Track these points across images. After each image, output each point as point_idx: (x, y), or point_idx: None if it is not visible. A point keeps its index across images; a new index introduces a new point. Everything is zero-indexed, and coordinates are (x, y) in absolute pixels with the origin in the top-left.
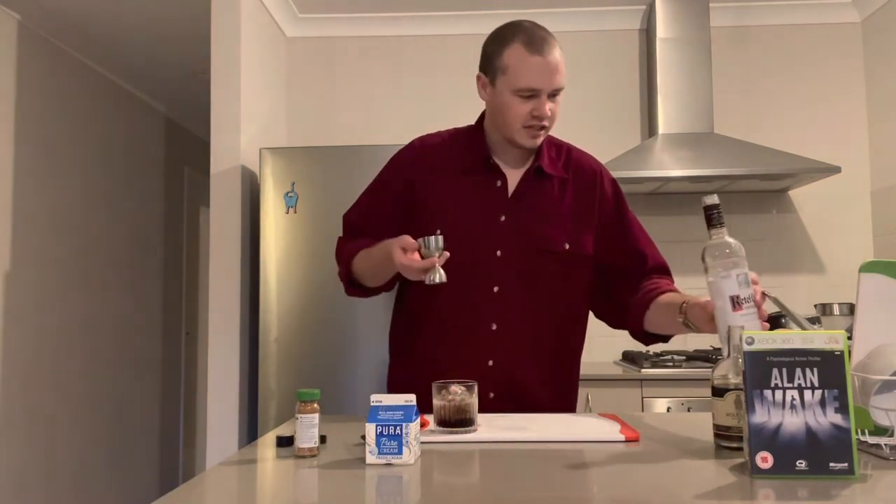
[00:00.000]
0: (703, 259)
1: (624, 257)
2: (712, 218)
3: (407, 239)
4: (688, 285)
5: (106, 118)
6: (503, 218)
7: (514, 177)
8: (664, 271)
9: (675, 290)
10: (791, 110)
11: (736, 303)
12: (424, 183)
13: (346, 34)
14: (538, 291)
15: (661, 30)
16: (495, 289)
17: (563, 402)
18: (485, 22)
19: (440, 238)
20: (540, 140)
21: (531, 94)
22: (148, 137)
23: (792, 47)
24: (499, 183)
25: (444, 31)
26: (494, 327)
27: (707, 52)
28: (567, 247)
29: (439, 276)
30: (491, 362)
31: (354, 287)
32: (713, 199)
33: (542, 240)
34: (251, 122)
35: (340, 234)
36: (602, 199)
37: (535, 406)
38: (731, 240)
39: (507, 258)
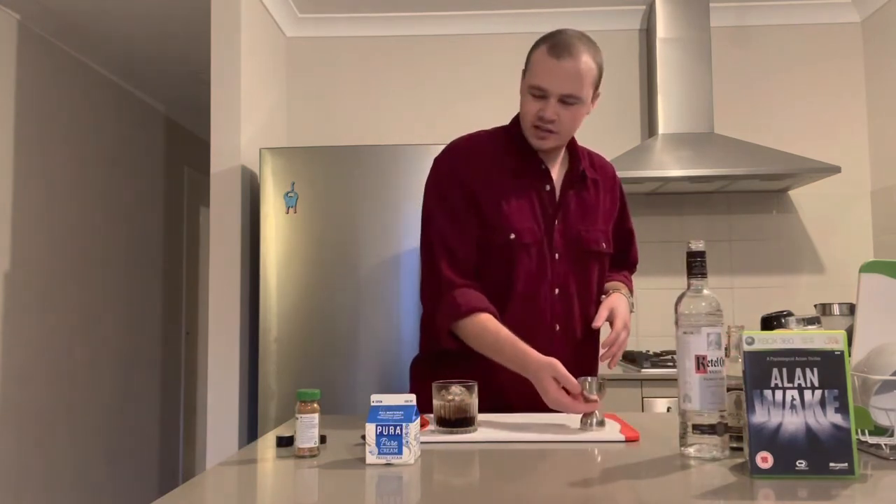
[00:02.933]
0: (675, 308)
1: (616, 252)
2: (694, 267)
3: (558, 367)
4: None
5: (106, 118)
6: (557, 221)
7: (556, 180)
8: (633, 267)
9: (616, 280)
10: (791, 110)
11: (701, 363)
12: (482, 183)
13: (346, 34)
14: (586, 291)
15: (661, 30)
16: (556, 291)
17: None
18: (485, 22)
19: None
20: (547, 143)
21: (540, 94)
22: (148, 137)
23: (792, 47)
24: (548, 187)
25: (444, 30)
26: (558, 328)
27: (707, 52)
28: (604, 246)
29: (597, 419)
30: None
31: (454, 340)
32: (699, 246)
33: (589, 241)
34: (251, 122)
35: (424, 250)
36: (615, 200)
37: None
38: (710, 293)
39: (563, 261)
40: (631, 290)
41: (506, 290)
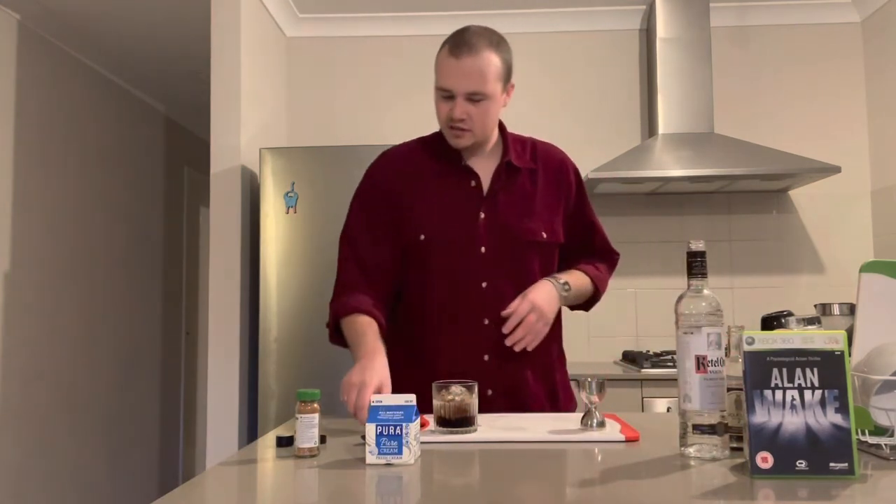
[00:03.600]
0: (675, 308)
1: (576, 242)
2: (694, 266)
3: (385, 381)
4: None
5: (106, 118)
6: (482, 215)
7: (485, 175)
8: (606, 256)
9: (584, 270)
10: (791, 110)
11: (701, 363)
12: (402, 190)
13: (346, 34)
14: (523, 282)
15: (661, 30)
16: (483, 284)
17: (556, 392)
18: (484, 22)
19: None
20: (463, 141)
21: (447, 95)
22: (148, 137)
23: (792, 47)
24: (473, 182)
25: (444, 30)
26: (486, 322)
27: (707, 52)
28: (545, 236)
29: (597, 419)
30: (487, 357)
31: (340, 339)
32: (699, 246)
33: (522, 231)
34: (251, 122)
35: (339, 258)
36: (569, 188)
37: (531, 400)
38: (710, 293)
39: (491, 254)
40: (595, 280)
41: (425, 289)
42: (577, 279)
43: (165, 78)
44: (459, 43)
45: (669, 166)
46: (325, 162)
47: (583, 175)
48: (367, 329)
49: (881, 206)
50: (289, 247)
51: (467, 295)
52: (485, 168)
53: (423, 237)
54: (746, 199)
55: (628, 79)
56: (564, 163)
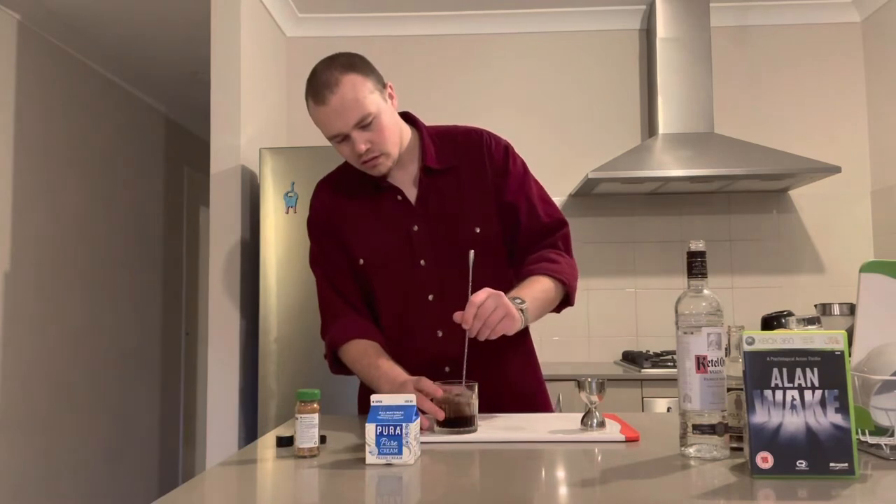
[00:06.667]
0: (675, 308)
1: (512, 221)
2: (694, 267)
3: (428, 385)
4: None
5: (106, 118)
6: (416, 228)
7: (408, 184)
8: (553, 232)
9: (536, 272)
10: (791, 110)
11: (701, 363)
12: (342, 220)
13: (346, 34)
14: (477, 283)
15: (661, 30)
16: (430, 297)
17: (525, 400)
18: (484, 22)
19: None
20: (382, 168)
21: (341, 138)
22: (148, 137)
23: (792, 47)
24: (399, 197)
25: (444, 30)
26: (440, 334)
27: (707, 52)
28: (478, 231)
29: (597, 419)
30: (448, 368)
31: (342, 368)
32: (699, 246)
33: (454, 234)
34: (251, 122)
35: (316, 282)
36: (493, 165)
37: (499, 409)
38: (710, 293)
39: (431, 265)
40: (556, 275)
41: (378, 309)
42: (533, 289)
43: (165, 78)
44: (318, 89)
45: (669, 166)
46: (325, 162)
47: (582, 175)
48: (369, 357)
49: (881, 206)
50: (289, 247)
51: (416, 311)
52: (406, 177)
53: (362, 261)
54: (746, 199)
55: (628, 79)
56: (481, 146)
